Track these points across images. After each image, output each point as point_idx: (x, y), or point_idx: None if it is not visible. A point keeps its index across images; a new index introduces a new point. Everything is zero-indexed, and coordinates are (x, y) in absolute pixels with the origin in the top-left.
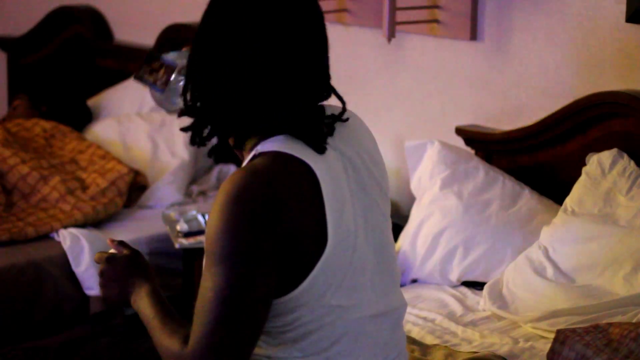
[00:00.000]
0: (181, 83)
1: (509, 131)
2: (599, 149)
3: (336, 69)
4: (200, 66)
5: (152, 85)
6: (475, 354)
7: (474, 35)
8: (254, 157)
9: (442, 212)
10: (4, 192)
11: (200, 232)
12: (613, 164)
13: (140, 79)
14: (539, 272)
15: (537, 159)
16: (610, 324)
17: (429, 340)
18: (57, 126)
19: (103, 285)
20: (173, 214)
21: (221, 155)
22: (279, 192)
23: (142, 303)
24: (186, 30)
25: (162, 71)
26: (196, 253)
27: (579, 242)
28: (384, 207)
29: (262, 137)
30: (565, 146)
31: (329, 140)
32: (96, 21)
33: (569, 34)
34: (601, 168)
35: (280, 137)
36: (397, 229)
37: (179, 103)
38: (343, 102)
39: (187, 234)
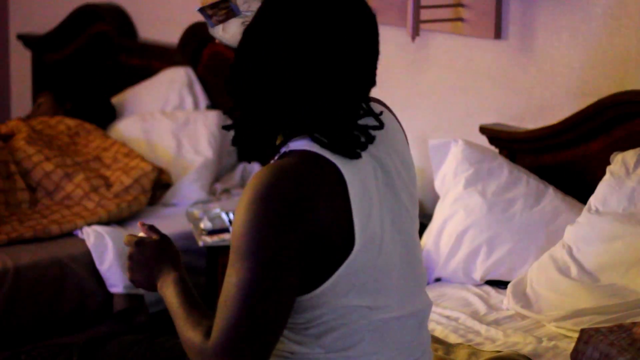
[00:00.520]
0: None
1: (533, 130)
2: (623, 148)
3: None
4: (248, 58)
5: (208, 17)
6: (499, 353)
7: (498, 34)
8: (283, 154)
9: (466, 210)
10: (29, 189)
11: (224, 230)
12: (637, 163)
13: (201, 10)
14: (563, 271)
15: (561, 158)
16: (634, 324)
17: (453, 339)
18: (81, 124)
19: (131, 268)
20: (197, 212)
21: (246, 151)
22: (306, 190)
23: (168, 291)
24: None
25: (223, 12)
26: (220, 251)
27: (603, 241)
28: (412, 210)
29: (293, 135)
30: (590, 145)
31: (367, 152)
32: (120, 19)
33: (594, 33)
34: (625, 167)
35: (310, 137)
36: (421, 228)
37: (222, 38)
38: (378, 120)
39: (210, 232)
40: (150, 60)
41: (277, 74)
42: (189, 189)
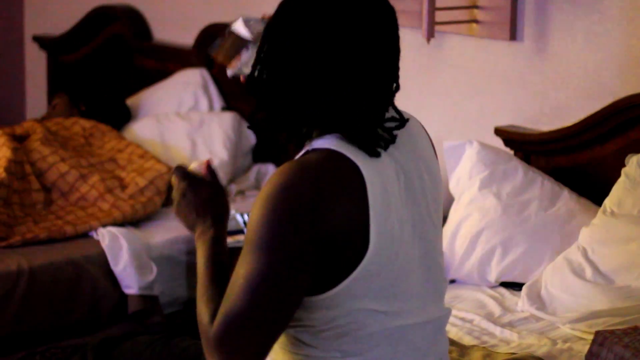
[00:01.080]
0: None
1: (548, 132)
2: (638, 150)
3: None
4: (271, 55)
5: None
6: (513, 355)
7: (513, 36)
8: (307, 152)
9: (481, 212)
10: (44, 190)
11: (239, 231)
12: None
13: (213, 59)
14: (578, 273)
15: (576, 159)
16: None
17: (467, 340)
18: (96, 125)
19: (178, 203)
20: None
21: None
22: (325, 189)
23: (202, 247)
24: (225, 29)
25: (231, 45)
26: (235, 252)
27: (618, 243)
28: (435, 217)
29: (318, 134)
30: (605, 147)
31: (389, 152)
32: (135, 21)
33: (609, 35)
34: None
35: (335, 136)
36: None
37: (244, 71)
38: (401, 116)
39: None
40: (165, 61)
41: (300, 70)
42: None
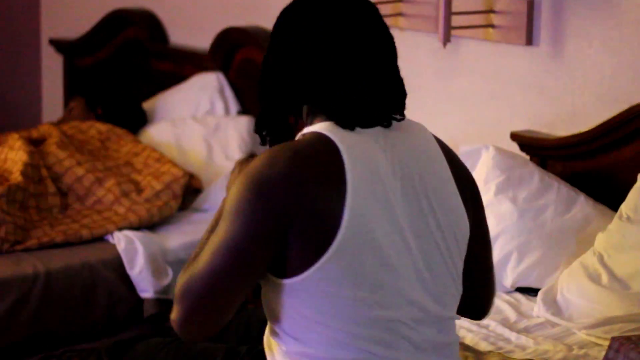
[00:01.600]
0: None
1: (564, 137)
2: None
3: None
4: (276, 60)
5: None
6: None
7: (529, 40)
8: (299, 137)
9: (497, 217)
10: (60, 194)
11: None
12: None
13: None
14: (594, 279)
15: (592, 164)
16: None
17: (483, 346)
18: (112, 129)
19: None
20: None
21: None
22: (300, 169)
23: (219, 209)
24: (241, 33)
25: None
26: None
27: (634, 248)
28: (442, 221)
29: (316, 121)
30: (621, 152)
31: (384, 143)
32: (152, 24)
33: (626, 40)
34: None
35: (329, 123)
36: None
37: None
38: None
39: None
40: (182, 65)
41: (299, 65)
42: (219, 195)
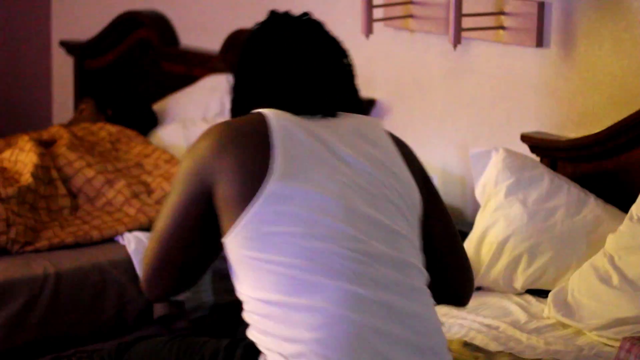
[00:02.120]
0: None
1: (574, 139)
2: None
3: (401, 75)
4: (242, 75)
5: None
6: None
7: (539, 42)
8: None
9: (507, 219)
10: (70, 195)
11: None
12: None
13: None
14: (605, 280)
15: (602, 166)
16: None
17: (493, 347)
18: (122, 130)
19: None
20: None
21: None
22: (227, 136)
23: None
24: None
25: None
26: None
27: None
28: (388, 183)
29: None
30: (632, 154)
31: (323, 123)
32: (162, 26)
33: (636, 42)
34: None
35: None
36: (462, 236)
37: None
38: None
39: None
40: (192, 67)
41: (257, 78)
42: None
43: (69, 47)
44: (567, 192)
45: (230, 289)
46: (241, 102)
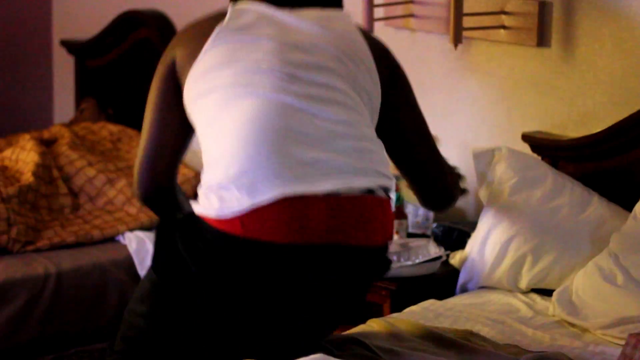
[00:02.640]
0: None
1: (576, 138)
2: None
3: None
4: None
5: None
6: (545, 352)
7: (540, 42)
8: None
9: (511, 219)
10: (71, 194)
11: None
12: None
13: None
14: (609, 279)
15: (604, 165)
16: None
17: (500, 339)
18: (123, 129)
19: None
20: None
21: None
22: (185, 29)
23: None
24: None
25: None
26: None
27: None
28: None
29: None
30: (633, 153)
31: (288, 11)
32: (163, 25)
33: (637, 41)
34: None
35: None
36: (465, 237)
37: None
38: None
39: None
40: None
41: None
42: None
43: (70, 46)
44: (571, 191)
45: None
46: None
